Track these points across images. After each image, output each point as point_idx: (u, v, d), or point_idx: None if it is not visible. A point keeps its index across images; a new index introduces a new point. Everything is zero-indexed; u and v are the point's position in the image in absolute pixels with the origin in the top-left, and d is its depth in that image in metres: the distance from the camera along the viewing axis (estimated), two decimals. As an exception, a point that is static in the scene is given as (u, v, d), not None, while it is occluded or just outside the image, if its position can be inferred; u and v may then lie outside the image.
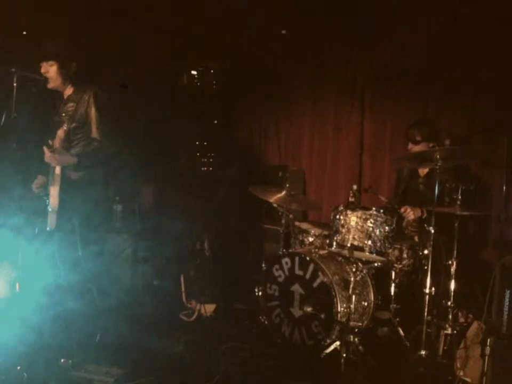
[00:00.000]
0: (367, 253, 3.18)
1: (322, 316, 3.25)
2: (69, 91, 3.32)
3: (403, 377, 3.01)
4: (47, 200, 3.09)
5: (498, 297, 2.69)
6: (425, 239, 3.29)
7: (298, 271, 3.44)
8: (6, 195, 3.21)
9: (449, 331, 3.06)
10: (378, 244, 3.17)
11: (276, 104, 5.61)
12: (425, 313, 3.09)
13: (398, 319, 3.39)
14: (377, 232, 3.17)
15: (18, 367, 2.71)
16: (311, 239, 3.73)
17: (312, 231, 3.76)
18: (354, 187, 3.36)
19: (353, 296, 3.17)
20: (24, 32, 4.13)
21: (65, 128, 3.09)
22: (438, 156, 3.08)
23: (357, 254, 3.26)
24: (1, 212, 3.14)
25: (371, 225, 3.18)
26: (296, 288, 3.43)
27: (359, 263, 3.29)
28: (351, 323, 3.16)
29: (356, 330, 3.20)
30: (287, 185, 3.84)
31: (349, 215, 3.23)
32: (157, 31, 4.64)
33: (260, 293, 3.65)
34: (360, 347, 3.14)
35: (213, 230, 4.95)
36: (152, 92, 4.91)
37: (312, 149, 5.30)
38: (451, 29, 4.14)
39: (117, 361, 2.96)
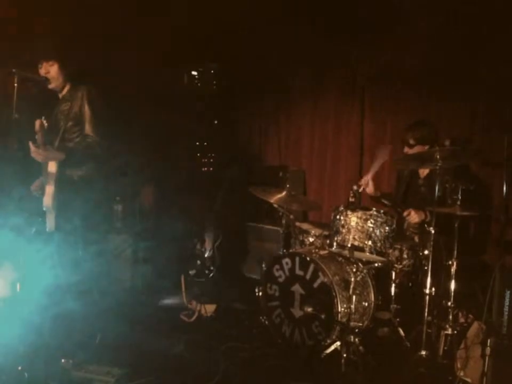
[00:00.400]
0: (368, 253, 3.19)
1: (323, 316, 3.25)
2: (65, 90, 3.32)
3: (403, 378, 3.00)
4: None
5: (498, 297, 2.68)
6: (425, 240, 3.29)
7: (298, 271, 3.44)
8: (6, 195, 3.22)
9: (449, 331, 3.05)
10: (379, 244, 3.18)
11: (276, 104, 5.61)
12: (426, 314, 3.09)
13: (398, 319, 3.39)
14: (378, 233, 3.18)
15: (19, 367, 2.71)
16: (311, 240, 3.73)
17: (313, 232, 3.76)
18: (355, 187, 3.36)
19: (354, 297, 3.17)
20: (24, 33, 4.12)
21: (45, 124, 2.99)
22: (438, 157, 3.08)
23: (357, 254, 3.25)
24: (2, 212, 3.14)
25: (371, 225, 3.18)
26: (297, 288, 3.43)
27: (360, 264, 3.29)
28: (352, 323, 3.15)
29: (356, 330, 3.20)
30: (288, 185, 3.83)
31: (349, 216, 3.24)
32: (157, 31, 4.64)
33: (260, 293, 3.64)
34: (361, 347, 3.14)
35: (213, 230, 4.95)
36: (152, 92, 4.90)
37: (312, 149, 5.30)
38: (451, 29, 4.14)
39: (117, 361, 2.97)
